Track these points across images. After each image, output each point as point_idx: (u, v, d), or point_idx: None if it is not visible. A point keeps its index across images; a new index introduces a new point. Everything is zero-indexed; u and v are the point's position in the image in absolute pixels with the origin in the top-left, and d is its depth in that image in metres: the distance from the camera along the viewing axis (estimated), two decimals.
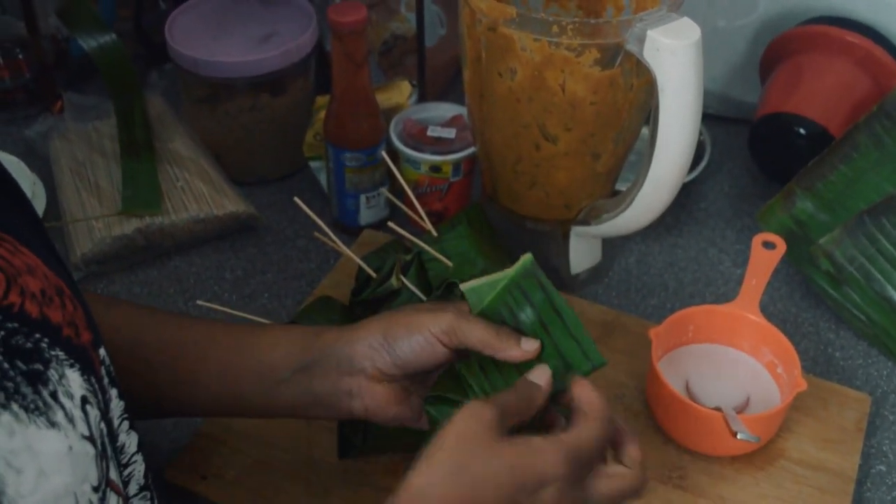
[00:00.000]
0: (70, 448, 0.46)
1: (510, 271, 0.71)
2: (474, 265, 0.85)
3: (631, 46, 0.80)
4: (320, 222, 0.86)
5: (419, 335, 0.68)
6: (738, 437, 0.78)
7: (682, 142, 0.83)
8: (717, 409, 0.81)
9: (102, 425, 0.51)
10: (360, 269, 0.88)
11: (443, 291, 0.84)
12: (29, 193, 1.04)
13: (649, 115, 0.86)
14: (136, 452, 0.58)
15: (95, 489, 0.48)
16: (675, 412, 0.83)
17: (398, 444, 0.81)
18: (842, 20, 1.10)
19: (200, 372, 0.71)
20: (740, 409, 0.85)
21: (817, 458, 0.84)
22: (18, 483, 0.43)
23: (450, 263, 0.85)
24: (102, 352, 0.54)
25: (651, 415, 0.87)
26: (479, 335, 0.68)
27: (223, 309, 0.89)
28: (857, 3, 1.10)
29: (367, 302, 0.87)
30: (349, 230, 1.08)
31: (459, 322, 0.68)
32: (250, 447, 0.84)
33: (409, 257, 0.87)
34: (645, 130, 0.90)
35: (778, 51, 1.13)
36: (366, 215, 1.07)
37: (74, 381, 0.48)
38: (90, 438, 0.48)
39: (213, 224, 1.06)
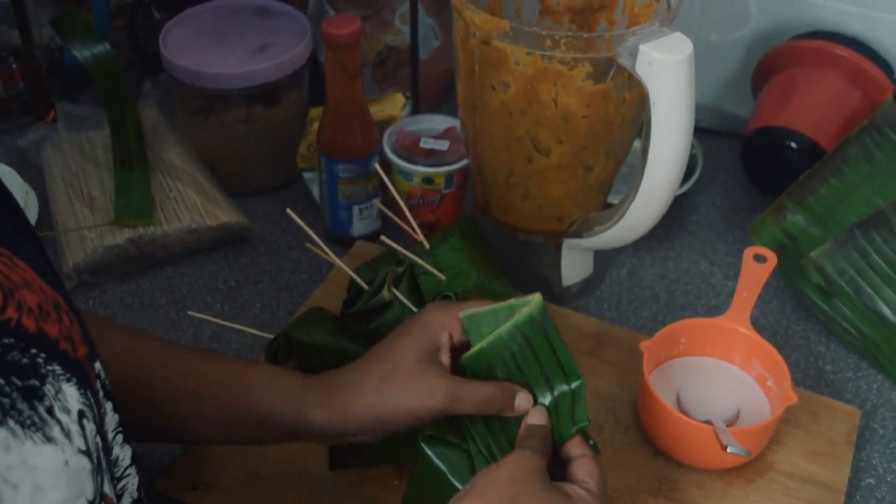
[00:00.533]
0: (66, 463, 0.46)
1: (517, 317, 0.72)
2: (467, 278, 0.85)
3: (623, 60, 0.81)
4: (312, 234, 0.86)
5: (411, 418, 0.71)
6: (729, 450, 0.78)
7: (674, 155, 0.84)
8: (708, 422, 0.82)
9: (98, 439, 0.51)
10: (352, 280, 0.89)
11: None
12: (21, 203, 1.04)
13: (641, 128, 0.86)
14: (130, 465, 0.58)
15: (90, 503, 0.48)
16: (666, 425, 0.83)
17: (388, 456, 0.82)
18: (833, 35, 1.10)
19: (195, 416, 0.74)
20: (731, 422, 0.86)
21: (807, 472, 0.84)
22: (15, 499, 0.43)
23: (442, 277, 0.86)
24: (98, 365, 0.54)
25: (642, 427, 0.87)
26: (473, 409, 0.71)
27: (215, 320, 0.89)
28: (848, 17, 1.10)
29: (358, 314, 0.87)
30: (342, 241, 1.08)
31: (452, 404, 0.70)
32: (242, 458, 0.84)
33: (401, 269, 0.87)
34: (637, 144, 0.90)
35: (770, 65, 1.14)
36: (358, 227, 1.08)
37: (71, 395, 0.48)
38: (86, 453, 0.48)
39: (206, 234, 1.06)
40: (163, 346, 0.77)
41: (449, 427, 0.72)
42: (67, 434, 0.47)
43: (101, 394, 0.54)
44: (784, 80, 1.11)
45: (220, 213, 1.07)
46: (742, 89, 1.19)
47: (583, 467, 0.69)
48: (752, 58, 1.17)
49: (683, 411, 0.85)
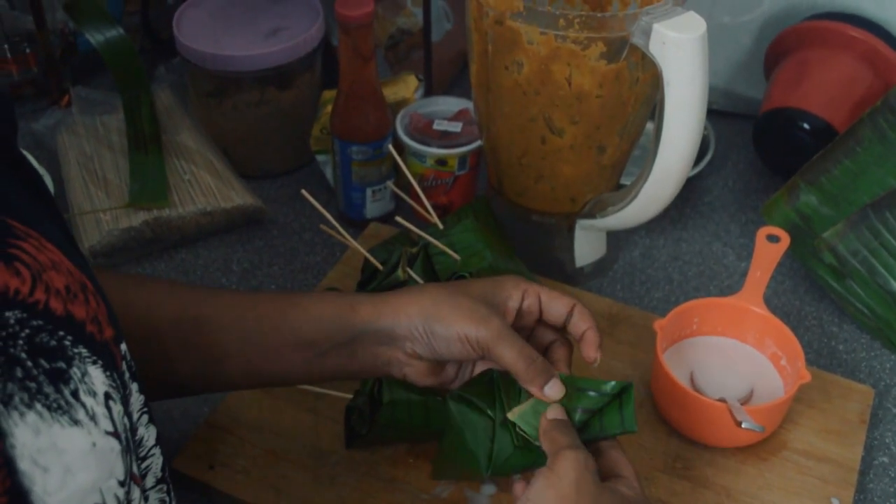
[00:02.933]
0: (94, 445, 0.46)
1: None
2: (482, 258, 0.86)
3: (637, 40, 0.81)
4: (327, 214, 0.87)
5: (456, 338, 0.68)
6: (743, 426, 0.78)
7: (687, 135, 0.84)
8: (722, 400, 0.82)
9: (125, 420, 0.51)
10: (367, 261, 0.89)
11: None
12: None
13: (654, 108, 0.86)
14: (154, 445, 0.58)
15: (121, 483, 0.48)
16: (680, 403, 0.84)
17: (404, 434, 0.82)
18: (846, 16, 1.10)
19: (237, 346, 0.72)
20: (744, 401, 0.86)
21: (821, 450, 0.85)
22: (45, 481, 0.43)
23: (457, 257, 0.86)
24: (124, 347, 0.54)
25: (656, 406, 0.88)
26: (510, 360, 0.67)
27: None
28: None
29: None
30: (355, 223, 1.08)
31: (496, 341, 0.67)
32: (258, 437, 0.84)
33: (415, 250, 0.88)
34: (650, 124, 0.90)
35: (782, 46, 1.13)
36: (372, 208, 1.08)
37: (97, 378, 0.48)
38: (115, 434, 0.48)
39: (220, 217, 1.07)
40: (198, 288, 0.77)
41: (480, 391, 0.71)
42: (93, 417, 0.47)
43: (126, 375, 0.54)
44: (796, 61, 1.11)
45: (235, 196, 1.07)
46: (754, 71, 1.19)
47: (621, 463, 0.67)
48: (764, 39, 1.17)
49: (697, 390, 0.86)
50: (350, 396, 0.82)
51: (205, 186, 1.08)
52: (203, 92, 1.14)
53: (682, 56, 0.79)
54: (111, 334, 0.52)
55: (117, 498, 0.47)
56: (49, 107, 1.23)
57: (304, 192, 0.87)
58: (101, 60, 1.17)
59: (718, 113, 1.23)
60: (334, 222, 0.88)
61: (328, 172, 1.12)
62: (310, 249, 1.07)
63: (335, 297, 0.72)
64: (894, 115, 0.95)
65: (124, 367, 0.54)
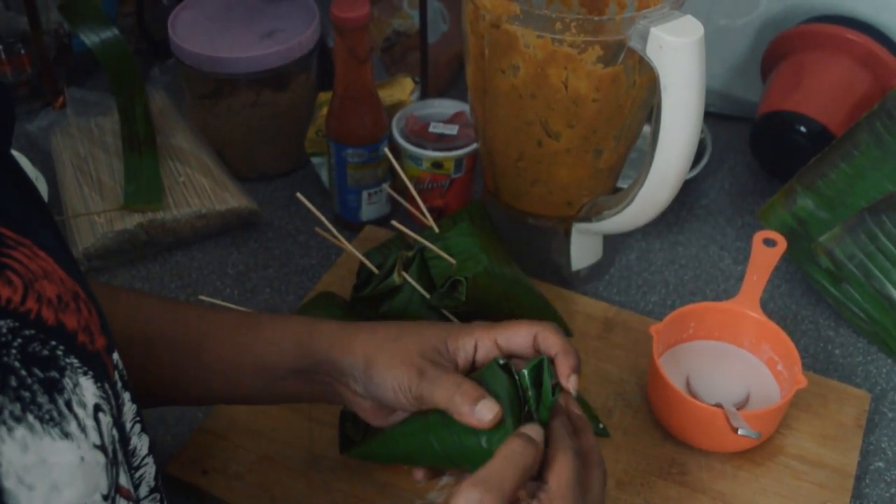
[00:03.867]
0: (82, 459, 0.45)
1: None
2: (478, 262, 0.85)
3: (634, 43, 0.81)
4: (322, 217, 0.86)
5: (389, 387, 0.66)
6: (739, 432, 0.78)
7: (683, 139, 0.84)
8: (718, 405, 0.82)
9: (115, 431, 0.50)
10: (362, 265, 0.89)
11: (446, 289, 0.84)
12: None
13: (651, 112, 0.86)
14: (147, 455, 0.58)
15: (105, 497, 0.47)
16: (676, 408, 0.84)
17: (396, 452, 0.81)
18: (843, 18, 1.10)
19: (200, 367, 0.72)
20: (740, 406, 0.86)
21: (817, 455, 0.84)
22: (30, 500, 0.42)
23: (453, 261, 0.86)
24: (116, 356, 0.54)
25: (651, 411, 0.87)
26: (441, 397, 0.64)
27: (225, 304, 0.89)
28: (858, 1, 1.10)
29: (368, 298, 0.87)
30: (350, 226, 1.08)
31: (426, 387, 0.65)
32: (252, 442, 0.84)
33: (410, 253, 0.87)
34: (647, 128, 0.90)
35: (779, 49, 1.13)
36: (367, 211, 1.08)
37: (88, 389, 0.48)
38: (101, 447, 0.47)
39: (215, 219, 1.06)
40: (167, 303, 0.76)
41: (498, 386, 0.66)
42: (83, 429, 0.46)
43: (119, 385, 0.53)
44: (793, 64, 1.11)
45: (229, 198, 1.07)
46: (751, 74, 1.19)
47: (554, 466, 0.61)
48: (761, 42, 1.17)
49: (693, 395, 0.86)
50: None
51: (199, 188, 1.07)
52: (198, 94, 1.14)
53: (679, 60, 0.79)
54: (103, 343, 0.52)
55: None
56: (43, 108, 1.23)
57: (299, 194, 0.87)
58: (95, 62, 1.17)
59: (715, 116, 1.23)
60: (329, 225, 0.87)
61: (323, 175, 1.12)
62: (305, 252, 1.07)
63: (299, 322, 0.72)
64: (891, 119, 0.95)
65: (116, 376, 0.53)
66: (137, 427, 0.56)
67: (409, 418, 0.70)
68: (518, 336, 0.68)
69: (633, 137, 0.93)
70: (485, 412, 0.63)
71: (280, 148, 1.16)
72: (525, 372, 0.65)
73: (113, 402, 0.51)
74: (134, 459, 0.56)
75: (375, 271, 0.87)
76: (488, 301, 0.86)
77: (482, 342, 0.68)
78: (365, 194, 1.06)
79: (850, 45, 1.08)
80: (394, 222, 0.88)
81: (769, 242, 0.91)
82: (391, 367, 0.67)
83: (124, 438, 0.53)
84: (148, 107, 1.15)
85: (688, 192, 1.13)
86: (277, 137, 1.15)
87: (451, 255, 0.86)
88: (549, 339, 0.67)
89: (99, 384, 0.49)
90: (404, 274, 0.85)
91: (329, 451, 0.83)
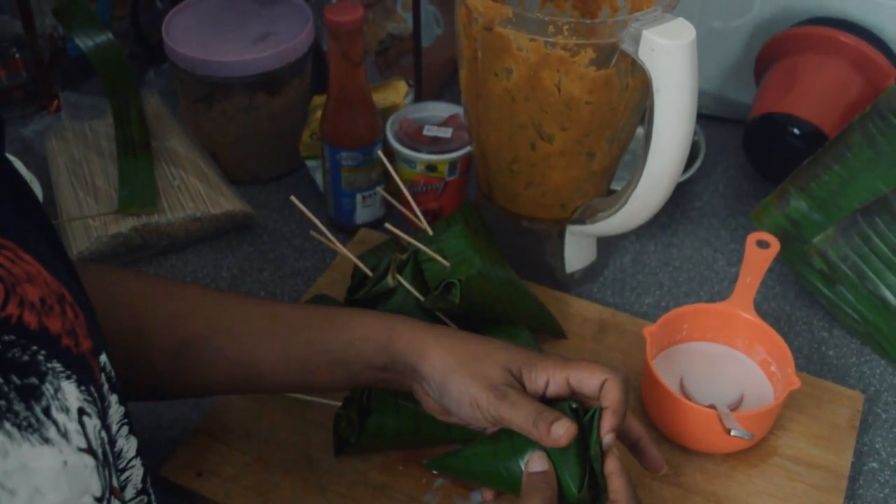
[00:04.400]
0: (65, 463, 0.45)
1: None
2: (472, 264, 0.86)
3: (626, 46, 0.81)
4: (317, 221, 0.86)
5: (466, 403, 0.68)
6: (732, 433, 0.78)
7: (676, 141, 0.84)
8: (712, 406, 0.82)
9: (103, 434, 0.50)
10: (356, 267, 0.89)
11: (440, 292, 0.84)
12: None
13: (644, 114, 0.86)
14: (135, 457, 0.58)
15: (98, 500, 0.47)
16: (670, 410, 0.84)
17: (393, 442, 0.82)
18: (836, 21, 1.10)
19: (270, 362, 0.73)
20: (734, 407, 0.86)
21: (811, 456, 0.85)
22: None
23: (447, 263, 0.86)
24: (103, 358, 0.54)
25: (646, 412, 0.87)
26: (520, 421, 0.67)
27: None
28: (851, 3, 1.10)
29: (363, 300, 0.87)
30: (345, 229, 1.08)
31: (506, 409, 0.67)
32: (247, 445, 0.84)
33: (405, 256, 0.88)
34: (640, 130, 0.90)
35: (772, 51, 1.14)
36: (362, 214, 1.08)
37: (71, 393, 0.48)
38: (88, 450, 0.47)
39: (210, 223, 1.07)
40: (238, 297, 0.79)
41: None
42: (65, 434, 0.46)
43: (105, 387, 0.53)
44: (787, 66, 1.11)
45: (224, 202, 1.07)
46: (745, 76, 1.19)
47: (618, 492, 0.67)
48: (754, 44, 1.17)
49: (687, 396, 0.86)
50: (339, 404, 0.82)
51: (194, 192, 1.07)
52: (192, 97, 1.14)
53: (671, 63, 0.79)
54: (89, 346, 0.52)
55: None
56: (38, 112, 1.23)
57: (293, 198, 0.87)
58: (90, 65, 1.17)
59: (708, 118, 1.23)
60: (324, 228, 0.87)
61: (318, 178, 1.12)
62: (299, 255, 1.07)
63: (377, 323, 0.73)
64: (884, 120, 0.96)
65: (103, 378, 0.53)
66: (125, 429, 0.56)
67: (482, 443, 0.71)
68: (591, 381, 0.69)
69: (626, 140, 0.93)
70: (560, 431, 0.65)
71: (274, 151, 1.16)
72: (595, 418, 0.68)
73: (99, 404, 0.51)
74: (120, 461, 0.56)
75: (370, 274, 0.88)
76: (482, 303, 0.86)
77: (554, 378, 0.69)
78: (359, 197, 1.06)
79: (843, 47, 1.08)
80: (388, 225, 0.88)
81: (762, 244, 0.91)
82: (470, 385, 0.68)
83: (111, 441, 0.53)
84: (142, 110, 1.15)
85: (681, 194, 1.14)
86: (272, 141, 1.15)
87: (444, 257, 0.86)
88: (611, 394, 0.68)
89: (83, 388, 0.49)
90: (398, 276, 0.86)
91: (324, 454, 0.83)
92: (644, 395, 0.88)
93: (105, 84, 1.16)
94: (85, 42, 1.16)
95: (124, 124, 1.13)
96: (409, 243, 0.88)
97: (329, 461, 0.83)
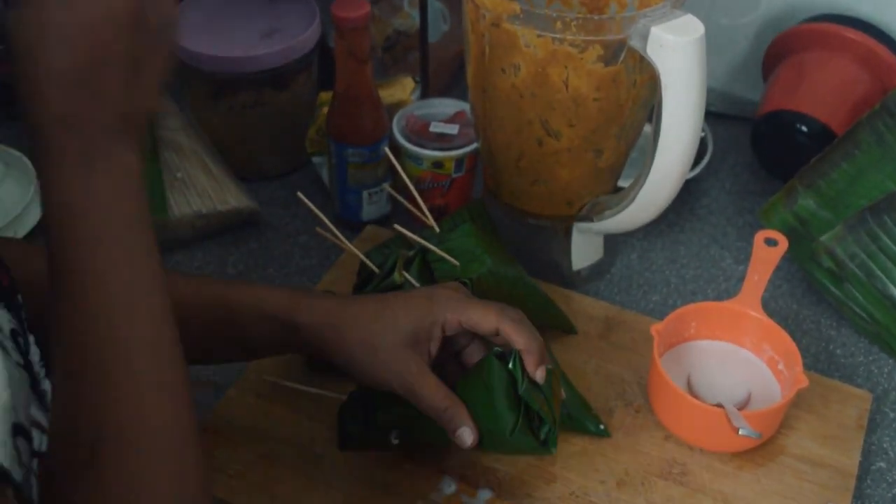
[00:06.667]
0: (9, 373, 0.51)
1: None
2: (482, 263, 0.85)
3: (634, 43, 0.80)
4: (323, 217, 0.86)
5: (384, 380, 0.75)
6: (740, 432, 0.78)
7: (684, 138, 0.84)
8: (719, 405, 0.82)
9: (35, 356, 0.56)
10: (363, 264, 0.89)
11: None
12: (31, 189, 1.05)
13: (652, 111, 0.86)
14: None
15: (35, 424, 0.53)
16: (677, 408, 0.83)
17: (400, 422, 0.81)
18: (844, 18, 1.10)
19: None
20: (742, 406, 0.86)
21: (818, 455, 0.84)
22: None
23: (456, 263, 0.86)
24: (20, 297, 0.59)
25: (653, 411, 0.87)
26: (425, 406, 0.74)
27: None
28: (859, 0, 1.10)
29: None
30: (351, 226, 1.08)
31: (409, 397, 0.74)
32: (252, 442, 0.84)
33: (411, 253, 0.87)
34: (647, 127, 0.90)
35: (780, 48, 1.13)
36: (368, 211, 1.07)
37: (2, 316, 0.54)
38: (25, 366, 0.53)
39: (216, 219, 1.06)
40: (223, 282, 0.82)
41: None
42: (3, 348, 0.51)
43: (25, 324, 0.58)
44: (795, 63, 1.11)
45: (230, 198, 1.07)
46: (752, 73, 1.19)
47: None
48: (762, 41, 1.16)
49: (694, 395, 0.85)
50: (344, 398, 0.82)
51: (200, 189, 1.07)
52: (199, 93, 1.13)
53: (679, 59, 0.79)
54: (8, 282, 0.58)
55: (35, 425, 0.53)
56: None
57: (299, 194, 0.87)
58: None
59: (716, 115, 1.23)
60: (330, 225, 0.87)
61: (324, 175, 1.12)
62: (305, 252, 1.07)
63: (280, 297, 0.77)
64: (893, 118, 0.95)
65: (23, 314, 0.58)
66: (43, 371, 0.60)
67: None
68: (483, 325, 0.75)
69: (633, 137, 0.93)
70: (465, 438, 0.73)
71: (280, 148, 1.16)
72: (516, 360, 0.74)
73: (24, 336, 0.57)
74: (46, 401, 0.59)
75: (376, 271, 0.87)
76: (493, 300, 0.86)
77: (449, 324, 0.75)
78: (365, 194, 1.06)
79: (852, 44, 1.08)
80: (396, 226, 0.87)
81: (770, 242, 0.91)
82: (380, 361, 0.74)
83: (34, 378, 0.57)
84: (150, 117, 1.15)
85: (689, 192, 1.13)
86: (278, 137, 1.15)
87: (454, 256, 0.86)
88: (515, 337, 0.74)
89: (13, 314, 0.55)
90: (405, 273, 0.85)
91: (329, 450, 0.83)
92: (651, 394, 0.87)
93: None
94: None
95: None
96: (417, 243, 0.88)
97: (335, 458, 0.82)
